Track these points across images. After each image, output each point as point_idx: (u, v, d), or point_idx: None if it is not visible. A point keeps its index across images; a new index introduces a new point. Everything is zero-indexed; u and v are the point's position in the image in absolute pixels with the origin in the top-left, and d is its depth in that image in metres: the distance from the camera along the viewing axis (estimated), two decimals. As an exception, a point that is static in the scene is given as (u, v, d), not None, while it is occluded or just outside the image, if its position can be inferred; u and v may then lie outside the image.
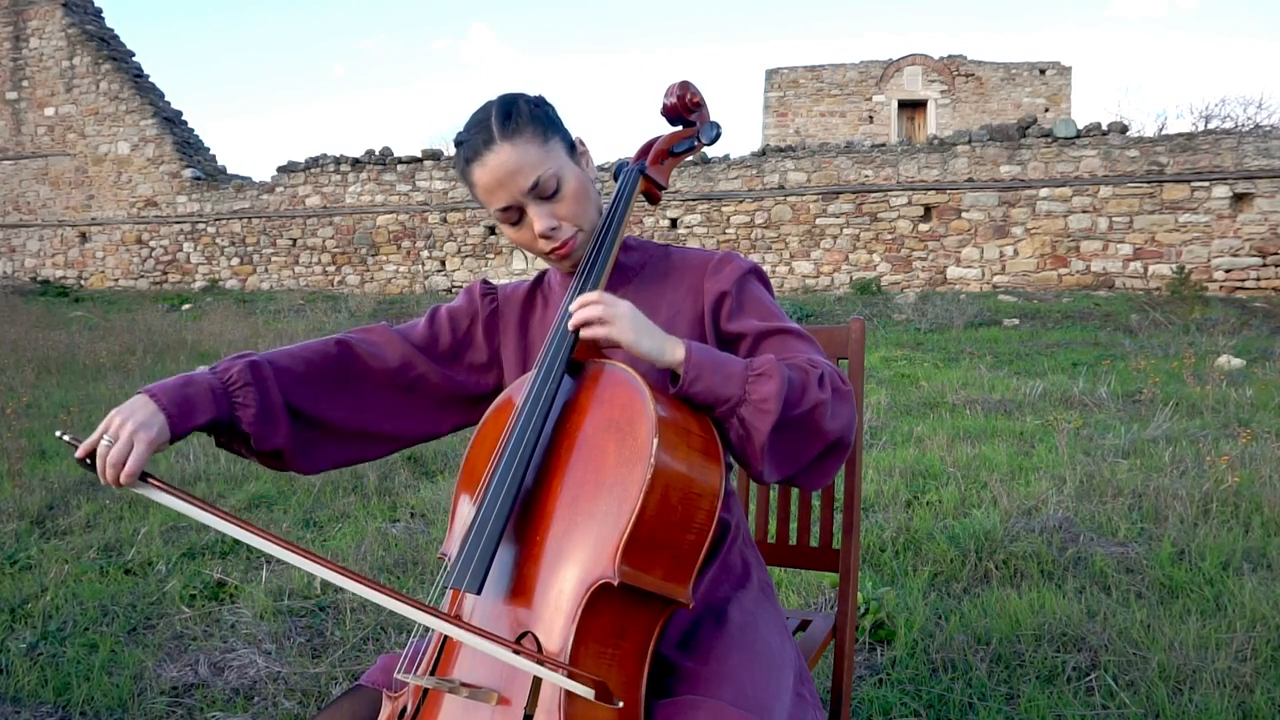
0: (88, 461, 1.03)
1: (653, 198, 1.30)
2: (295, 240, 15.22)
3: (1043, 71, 21.51)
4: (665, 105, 1.30)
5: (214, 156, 16.75)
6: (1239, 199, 11.34)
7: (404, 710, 1.02)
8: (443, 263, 14.45)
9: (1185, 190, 11.46)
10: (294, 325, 10.87)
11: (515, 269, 14.02)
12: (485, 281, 1.39)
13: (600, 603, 0.94)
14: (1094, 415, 5.35)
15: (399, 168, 14.66)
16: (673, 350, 1.04)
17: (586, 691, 0.88)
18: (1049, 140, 11.97)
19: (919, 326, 9.93)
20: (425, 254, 14.52)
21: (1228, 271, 11.36)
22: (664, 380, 1.08)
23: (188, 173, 15.80)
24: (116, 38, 16.81)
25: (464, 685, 0.95)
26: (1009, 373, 7.15)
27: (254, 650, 2.44)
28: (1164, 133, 13.46)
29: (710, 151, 13.23)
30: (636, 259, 1.30)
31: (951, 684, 2.20)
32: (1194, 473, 3.88)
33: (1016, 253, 12.11)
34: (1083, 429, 4.96)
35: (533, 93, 1.23)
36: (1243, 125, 16.65)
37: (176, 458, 4.64)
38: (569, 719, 0.90)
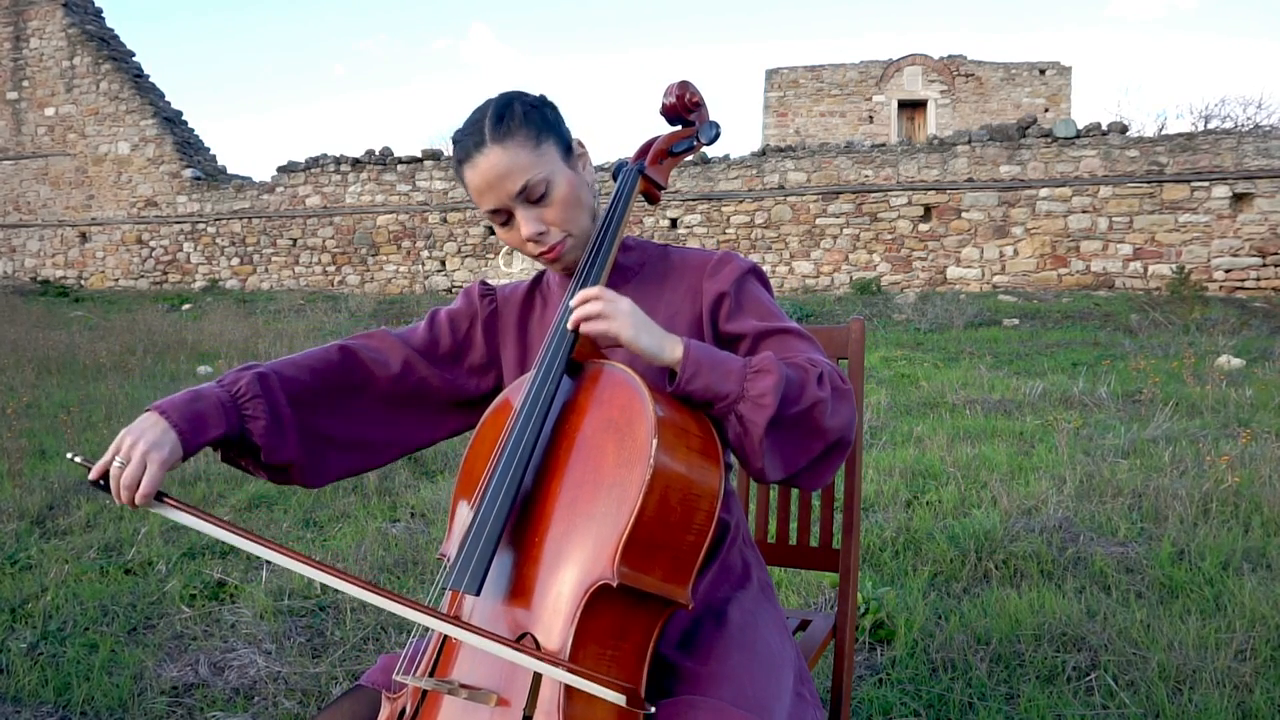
0: (101, 483, 1.02)
1: (652, 198, 1.30)
2: (295, 240, 15.23)
3: (1043, 71, 21.50)
4: (664, 105, 1.30)
5: (214, 156, 16.76)
6: (1239, 199, 11.34)
7: (403, 711, 1.02)
8: (443, 263, 14.45)
9: (1185, 190, 11.46)
10: (294, 325, 10.87)
11: (514, 269, 13.99)
12: (483, 283, 1.39)
13: (599, 604, 0.94)
14: (1094, 415, 5.35)
15: (399, 168, 14.66)
16: (671, 347, 1.04)
17: (618, 698, 0.88)
18: (1049, 140, 11.97)
19: (919, 326, 9.93)
20: (425, 254, 14.52)
21: (1228, 271, 11.36)
22: (663, 380, 1.08)
23: (188, 173, 15.80)
24: (116, 38, 16.81)
25: (463, 686, 0.95)
26: (1009, 373, 7.15)
27: (254, 650, 2.44)
28: (1164, 133, 13.46)
29: (710, 151, 13.23)
30: (635, 259, 1.30)
31: (951, 684, 2.20)
32: (1194, 473, 3.88)
33: (1016, 253, 12.11)
34: (1083, 429, 4.96)
35: (536, 92, 1.23)
36: (1243, 125, 16.65)
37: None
38: (568, 719, 0.90)
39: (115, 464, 1.01)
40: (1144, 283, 11.59)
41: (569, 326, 1.07)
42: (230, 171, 16.65)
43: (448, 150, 14.42)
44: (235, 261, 15.60)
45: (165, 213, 15.97)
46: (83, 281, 16.61)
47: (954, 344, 8.76)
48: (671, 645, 1.10)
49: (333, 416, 1.22)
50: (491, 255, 14.19)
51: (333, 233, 15.00)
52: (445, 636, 1.02)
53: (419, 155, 14.64)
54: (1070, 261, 11.90)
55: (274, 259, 15.34)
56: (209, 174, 16.15)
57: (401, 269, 14.66)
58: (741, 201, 13.12)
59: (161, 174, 15.94)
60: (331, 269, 15.04)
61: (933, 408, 5.73)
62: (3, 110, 16.90)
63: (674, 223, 13.40)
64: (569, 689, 0.90)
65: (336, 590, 2.83)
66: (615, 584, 0.92)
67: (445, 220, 14.42)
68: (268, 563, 3.08)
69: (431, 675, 1.01)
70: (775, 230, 13.01)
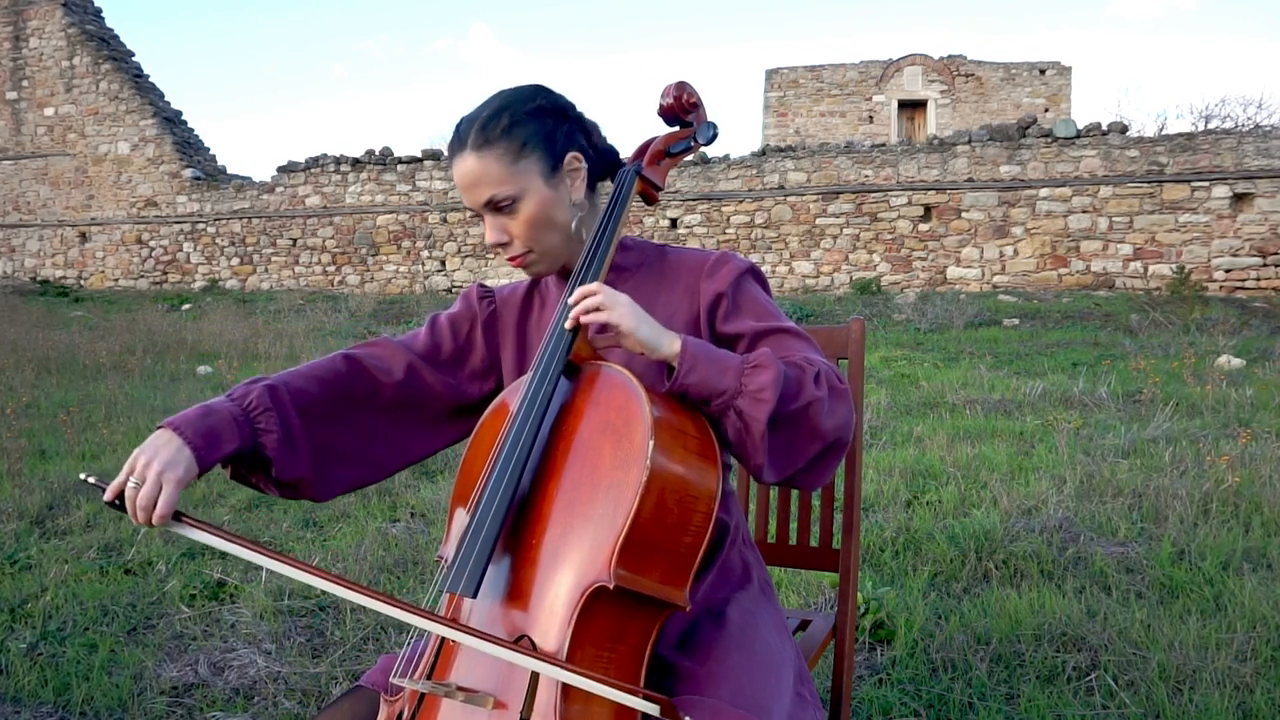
0: (117, 503, 1.01)
1: (649, 198, 1.30)
2: (295, 240, 15.23)
3: (1042, 72, 21.50)
4: (662, 106, 1.29)
5: (214, 156, 16.76)
6: (1239, 199, 11.33)
7: (401, 714, 1.02)
8: (443, 263, 14.46)
9: (1185, 190, 11.46)
10: (294, 325, 10.87)
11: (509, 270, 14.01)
12: (481, 285, 1.39)
13: (596, 606, 0.94)
14: (1094, 415, 5.35)
15: (399, 168, 14.66)
16: (669, 342, 1.04)
17: (651, 708, 0.87)
18: (1049, 140, 11.97)
19: (919, 326, 9.93)
20: (425, 254, 14.52)
21: (1228, 271, 11.36)
22: (660, 380, 1.08)
23: (188, 173, 15.80)
24: (116, 38, 16.81)
25: (460, 689, 0.95)
26: (1009, 373, 7.15)
27: (254, 650, 2.44)
28: (1164, 133, 13.45)
29: (710, 151, 13.23)
30: (633, 259, 1.30)
31: (951, 684, 2.20)
32: (1194, 473, 3.88)
33: (1016, 253, 12.11)
34: (1083, 429, 4.96)
35: (562, 89, 1.22)
36: (1243, 125, 16.64)
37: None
38: (565, 722, 0.90)
39: (130, 485, 1.00)
40: (1144, 283, 11.59)
41: (568, 324, 1.07)
42: (230, 171, 16.65)
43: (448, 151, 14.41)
44: (235, 261, 15.61)
45: (165, 213, 15.98)
46: (82, 281, 16.62)
47: (954, 344, 8.76)
48: (670, 645, 1.10)
49: (340, 428, 1.21)
50: (492, 255, 14.19)
51: (333, 233, 15.00)
52: (443, 639, 1.02)
53: (419, 155, 14.64)
54: (1070, 261, 11.90)
55: (274, 259, 15.35)
56: (209, 174, 16.15)
57: (401, 269, 14.66)
58: (741, 201, 13.12)
59: (161, 174, 15.94)
60: (331, 269, 15.05)
61: (933, 408, 5.73)
62: (3, 110, 16.90)
63: (674, 223, 13.40)
64: (566, 691, 0.90)
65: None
66: (612, 586, 0.92)
67: (445, 220, 14.42)
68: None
69: (429, 678, 1.00)
70: (775, 230, 13.01)
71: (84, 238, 16.64)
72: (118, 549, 3.32)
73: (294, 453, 1.14)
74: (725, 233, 13.16)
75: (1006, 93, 21.43)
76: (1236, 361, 7.03)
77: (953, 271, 12.37)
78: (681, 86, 1.28)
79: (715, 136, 1.31)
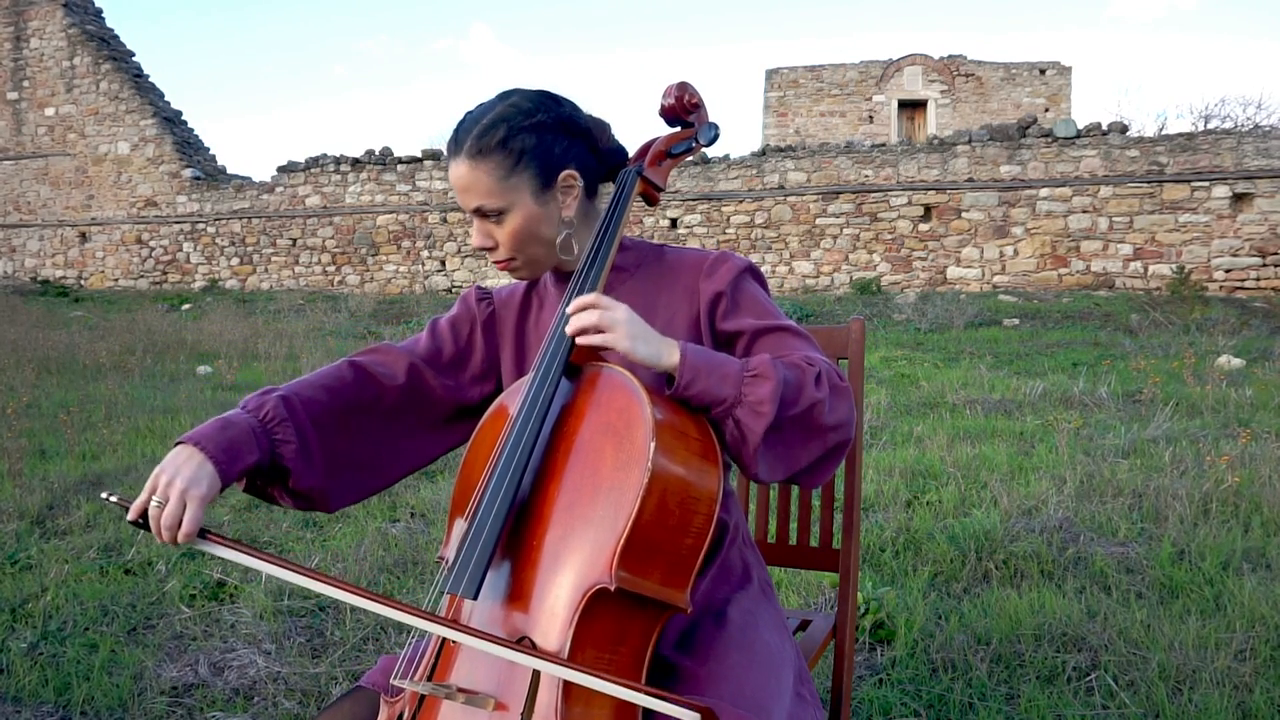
0: (140, 522, 1.01)
1: (650, 199, 1.29)
2: (295, 240, 15.23)
3: (1043, 71, 21.50)
4: (663, 106, 1.29)
5: (214, 156, 16.76)
6: (1239, 199, 11.33)
7: (401, 715, 1.02)
8: (443, 263, 14.45)
9: (1185, 190, 11.46)
10: (294, 325, 10.87)
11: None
12: (479, 287, 1.39)
13: (597, 608, 0.94)
14: (1094, 415, 5.35)
15: (399, 168, 14.66)
16: (669, 353, 1.04)
17: (692, 716, 0.86)
18: (1049, 140, 11.97)
19: (919, 326, 9.93)
20: (425, 254, 14.52)
21: (1228, 271, 11.36)
22: (661, 381, 1.08)
23: (188, 173, 15.80)
24: (116, 38, 16.81)
25: (460, 691, 0.95)
26: (1009, 373, 7.15)
27: (254, 650, 2.44)
28: (1164, 133, 13.44)
29: (710, 151, 13.23)
30: (632, 259, 1.30)
31: (951, 684, 2.20)
32: (1194, 473, 3.88)
33: (1016, 253, 12.11)
34: (1083, 429, 4.96)
35: (569, 95, 1.22)
36: (1243, 125, 16.64)
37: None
38: (566, 723, 0.89)
39: (153, 504, 1.00)
40: (1144, 283, 11.59)
41: (568, 330, 1.07)
42: (230, 171, 16.65)
43: (448, 150, 14.40)
44: (235, 261, 15.61)
45: (165, 213, 15.97)
46: (82, 281, 16.61)
47: (954, 344, 8.76)
48: (670, 645, 1.10)
49: (350, 436, 1.21)
50: (491, 255, 14.18)
51: (332, 233, 15.00)
52: (444, 640, 1.02)
53: (419, 155, 14.64)
54: (1070, 261, 11.90)
55: (274, 259, 15.34)
56: (209, 174, 16.15)
57: (401, 269, 14.66)
58: (741, 201, 13.12)
59: (161, 174, 15.94)
60: (331, 269, 15.05)
61: (933, 408, 5.73)
62: (3, 110, 16.90)
63: (674, 223, 13.40)
64: (567, 692, 0.90)
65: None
66: (613, 588, 0.92)
67: (445, 220, 14.42)
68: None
69: (429, 679, 1.00)
70: (775, 230, 13.01)
71: (84, 238, 16.64)
72: (118, 549, 3.32)
73: (310, 463, 1.14)
74: (725, 233, 13.16)
75: (1007, 93, 21.43)
76: (1236, 361, 7.03)
77: (953, 271, 12.37)
78: (683, 87, 1.28)
79: (716, 137, 1.31)
